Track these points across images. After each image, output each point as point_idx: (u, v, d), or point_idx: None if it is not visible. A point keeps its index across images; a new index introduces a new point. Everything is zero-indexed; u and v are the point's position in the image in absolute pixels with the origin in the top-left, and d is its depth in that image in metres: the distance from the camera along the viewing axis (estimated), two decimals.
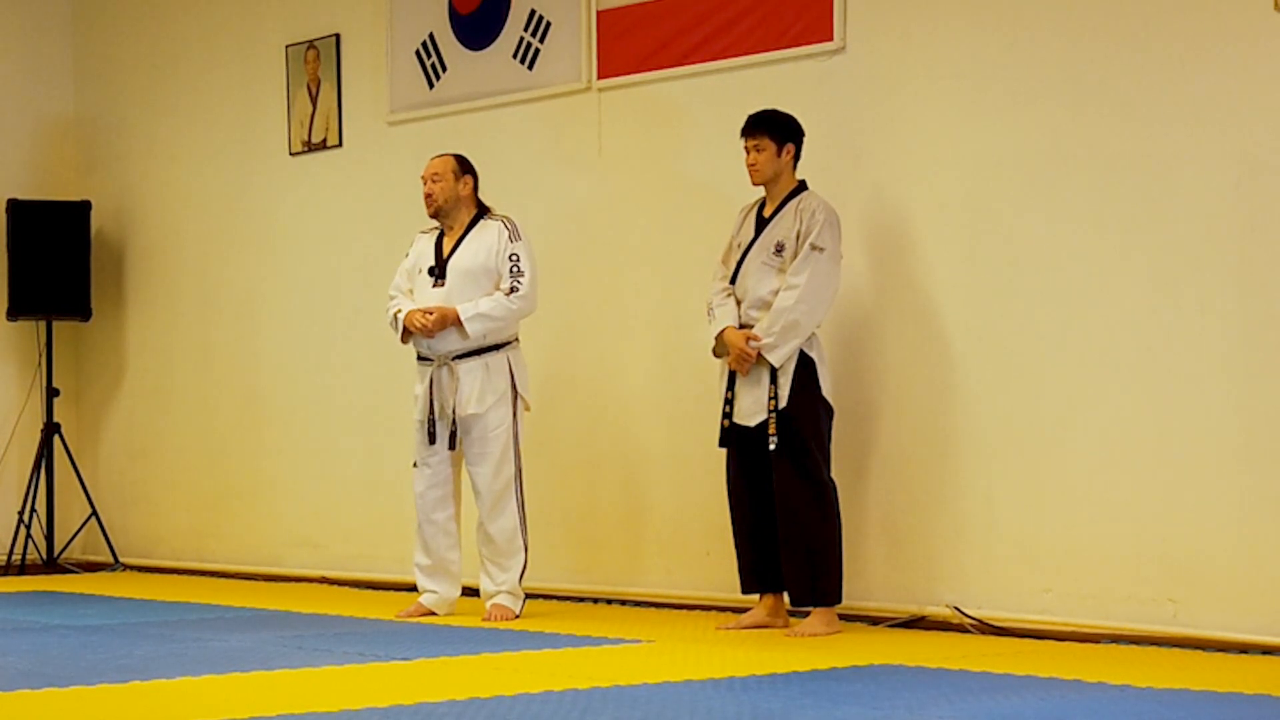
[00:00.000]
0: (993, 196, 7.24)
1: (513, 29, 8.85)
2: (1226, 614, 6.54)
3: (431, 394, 7.75)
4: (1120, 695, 5.45)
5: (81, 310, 10.72)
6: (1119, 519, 6.84)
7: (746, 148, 7.30)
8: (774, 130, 7.26)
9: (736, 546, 7.37)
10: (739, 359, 7.17)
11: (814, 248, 7.11)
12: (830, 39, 7.68)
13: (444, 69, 9.17)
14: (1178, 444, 6.70)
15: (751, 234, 7.32)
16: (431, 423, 7.75)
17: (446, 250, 7.86)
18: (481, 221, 7.89)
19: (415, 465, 7.89)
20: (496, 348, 7.75)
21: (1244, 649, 6.45)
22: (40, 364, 10.82)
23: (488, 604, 7.74)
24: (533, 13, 8.76)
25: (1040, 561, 7.04)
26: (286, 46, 9.96)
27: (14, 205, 10.58)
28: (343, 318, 9.68)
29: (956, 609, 7.21)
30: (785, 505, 7.12)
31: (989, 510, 7.20)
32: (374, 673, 5.95)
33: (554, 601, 8.38)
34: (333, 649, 6.64)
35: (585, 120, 8.60)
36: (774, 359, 7.11)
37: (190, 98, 10.52)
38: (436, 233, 7.98)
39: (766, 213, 7.31)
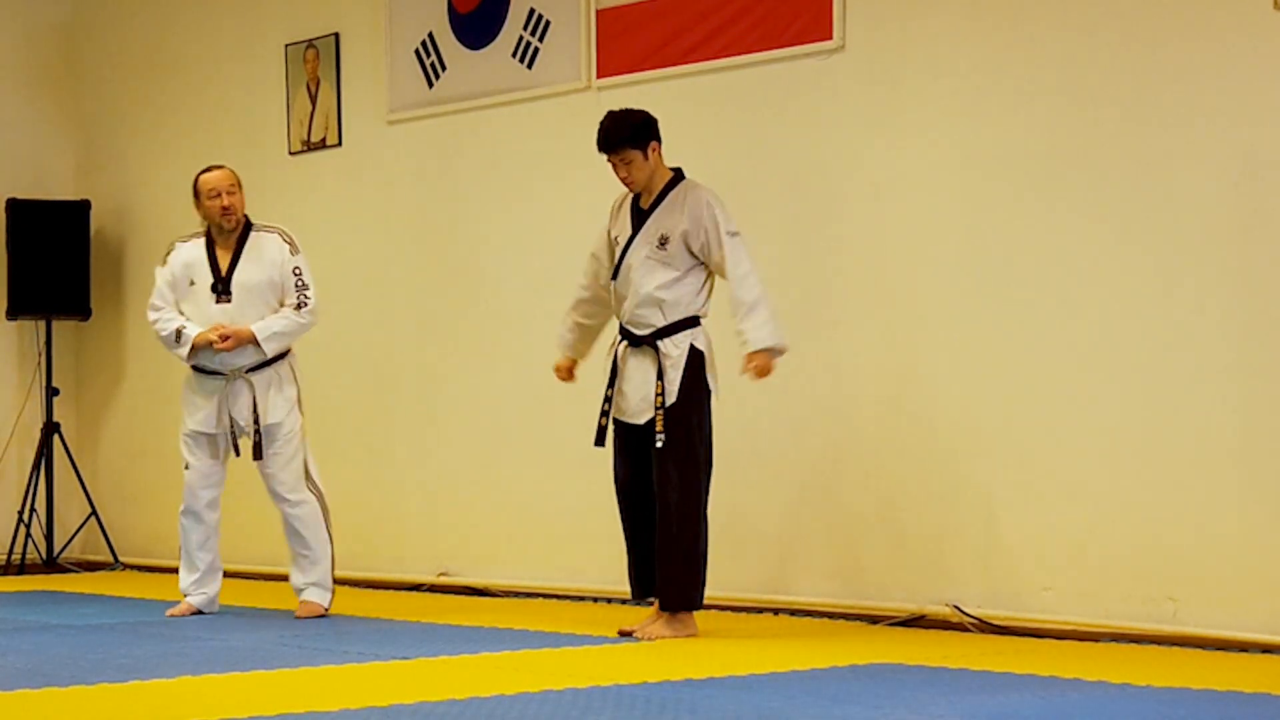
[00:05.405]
0: (992, 195, 7.23)
1: (512, 28, 8.85)
2: (1226, 613, 6.54)
3: (227, 408, 7.83)
4: (1120, 694, 5.45)
5: (81, 310, 10.72)
6: (1119, 518, 6.84)
7: (613, 163, 7.11)
8: (634, 139, 7.07)
9: (629, 550, 7.13)
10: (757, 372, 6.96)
11: (731, 234, 6.99)
12: (829, 38, 7.68)
13: (443, 68, 9.16)
14: (1177, 443, 6.70)
15: (629, 230, 7.14)
16: (233, 436, 7.88)
17: (224, 264, 7.86)
18: (254, 234, 7.92)
19: (187, 468, 7.96)
20: (280, 358, 7.91)
21: (1244, 648, 6.46)
22: (40, 363, 10.81)
23: (299, 598, 7.93)
24: (532, 11, 8.76)
25: (1040, 560, 7.04)
26: (286, 46, 9.96)
27: (14, 205, 10.58)
28: (340, 317, 9.66)
29: (956, 607, 7.21)
30: (666, 503, 6.93)
31: (989, 509, 7.19)
32: (374, 673, 5.95)
33: (555, 600, 8.38)
34: (333, 649, 6.65)
35: (585, 120, 8.58)
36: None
37: (190, 98, 10.52)
38: (201, 241, 7.94)
39: (644, 204, 7.15)
